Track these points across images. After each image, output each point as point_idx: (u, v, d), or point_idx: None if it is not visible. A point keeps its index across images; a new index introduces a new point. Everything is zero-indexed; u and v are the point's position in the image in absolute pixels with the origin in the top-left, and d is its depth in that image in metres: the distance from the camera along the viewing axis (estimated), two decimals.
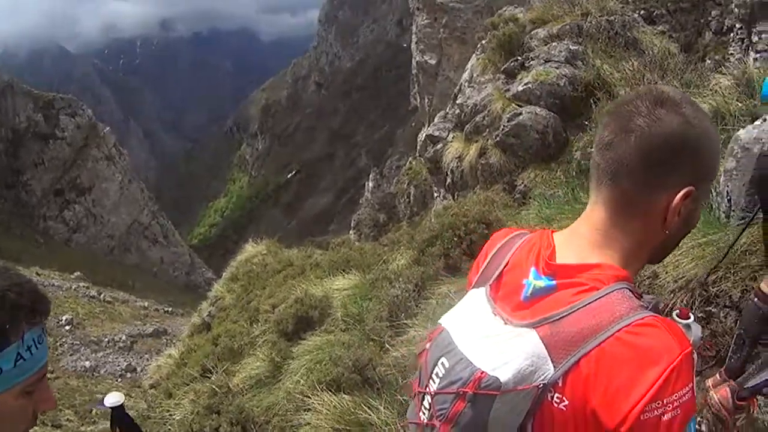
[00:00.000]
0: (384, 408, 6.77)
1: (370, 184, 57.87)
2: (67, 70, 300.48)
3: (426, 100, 43.42)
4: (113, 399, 2.62)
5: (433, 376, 2.29)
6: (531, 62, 13.78)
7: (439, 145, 16.20)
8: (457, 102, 16.15)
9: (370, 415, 6.72)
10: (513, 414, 2.09)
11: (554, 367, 2.04)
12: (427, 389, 2.31)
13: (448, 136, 15.93)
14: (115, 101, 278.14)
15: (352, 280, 12.09)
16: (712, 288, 5.75)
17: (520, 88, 13.09)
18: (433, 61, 43.73)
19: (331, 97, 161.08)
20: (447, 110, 17.70)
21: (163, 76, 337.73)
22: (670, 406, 1.91)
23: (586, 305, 2.07)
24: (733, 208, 6.77)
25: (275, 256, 20.94)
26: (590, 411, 2.00)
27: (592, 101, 12.34)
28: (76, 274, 50.83)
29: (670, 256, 4.01)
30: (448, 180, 15.24)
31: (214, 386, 10.12)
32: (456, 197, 14.56)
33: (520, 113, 12.65)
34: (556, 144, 12.51)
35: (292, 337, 10.62)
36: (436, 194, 16.80)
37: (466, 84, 16.17)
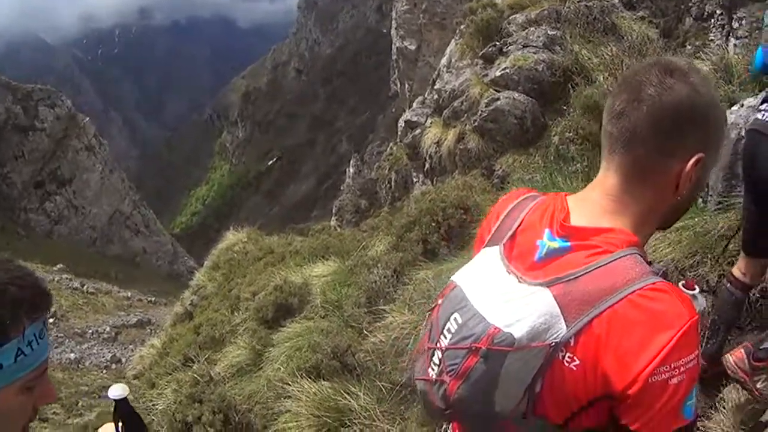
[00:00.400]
0: (363, 394, 6.82)
1: (351, 170, 57.71)
2: (46, 61, 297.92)
3: (406, 86, 43.45)
4: (117, 391, 2.58)
5: (445, 331, 2.32)
6: (509, 47, 13.81)
7: (418, 131, 16.26)
8: (435, 87, 16.21)
9: (349, 401, 6.76)
10: (524, 371, 2.13)
11: (567, 326, 2.09)
12: (438, 345, 2.34)
13: (426, 121, 16.00)
14: (94, 91, 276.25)
15: (331, 267, 12.14)
16: (689, 273, 5.81)
17: (498, 73, 13.12)
18: (413, 47, 43.76)
19: (312, 83, 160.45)
20: (425, 95, 17.71)
21: (142, 64, 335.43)
22: (677, 370, 1.97)
23: (599, 267, 2.12)
24: (710, 194, 6.84)
25: (256, 244, 20.89)
26: (600, 372, 2.05)
27: (570, 86, 12.42)
28: (58, 266, 50.48)
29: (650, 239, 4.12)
30: (427, 165, 15.29)
31: (195, 375, 10.10)
32: (434, 182, 14.61)
33: (498, 98, 12.69)
34: (535, 129, 12.55)
35: (272, 325, 10.66)
36: (415, 179, 16.84)
37: (445, 69, 16.22)
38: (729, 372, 5.00)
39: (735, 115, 6.06)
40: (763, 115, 4.82)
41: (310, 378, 7.53)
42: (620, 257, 2.13)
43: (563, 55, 13.12)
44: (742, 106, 6.30)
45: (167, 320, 24.86)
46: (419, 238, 9.53)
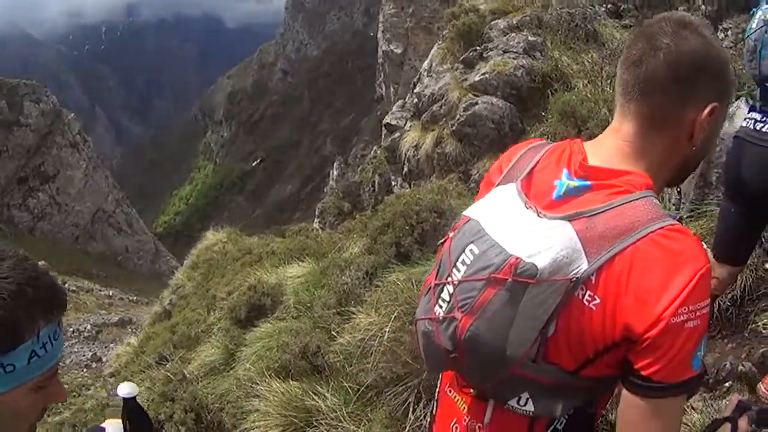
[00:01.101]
0: (330, 395, 6.81)
1: (335, 173, 57.69)
2: (32, 56, 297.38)
3: (391, 89, 43.41)
4: (126, 390, 2.56)
5: (458, 264, 2.28)
6: (489, 53, 13.83)
7: (397, 134, 16.23)
8: (415, 91, 16.19)
9: (317, 401, 6.76)
10: (541, 308, 2.09)
11: (588, 261, 2.07)
12: (449, 279, 2.29)
13: (405, 124, 15.97)
14: (80, 88, 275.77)
15: (306, 268, 12.10)
16: None
17: (477, 78, 13.14)
18: (399, 51, 43.76)
19: (297, 84, 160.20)
20: (405, 99, 17.72)
21: (128, 62, 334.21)
22: (694, 314, 1.98)
23: (621, 204, 2.12)
24: (683, 201, 6.90)
25: (235, 244, 20.99)
26: (620, 313, 2.04)
27: (549, 92, 12.43)
28: (40, 263, 49.85)
29: None
30: (405, 168, 15.25)
31: (169, 374, 10.11)
32: (412, 186, 14.60)
33: (476, 103, 12.72)
34: (513, 134, 12.55)
35: (245, 325, 10.64)
36: (393, 183, 16.81)
37: (425, 73, 16.20)
38: (762, 400, 5.02)
39: None
40: (748, 122, 4.88)
41: (279, 378, 7.55)
42: (640, 198, 2.13)
43: (543, 61, 13.15)
44: None
45: (146, 319, 24.86)
46: (392, 241, 9.46)
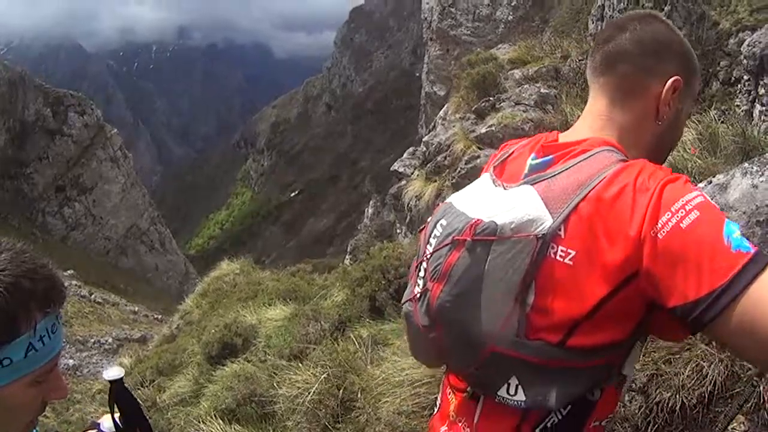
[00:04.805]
0: None
1: (370, 211, 57.68)
2: (81, 67, 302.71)
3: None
4: (113, 372, 2.49)
5: (431, 240, 2.30)
6: (502, 103, 13.65)
7: (404, 182, 16.10)
8: (424, 139, 16.04)
9: None
10: (510, 269, 2.03)
11: (552, 218, 2.01)
12: (425, 256, 2.29)
13: (413, 173, 15.79)
14: (126, 103, 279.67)
15: (286, 311, 12.01)
16: None
17: (484, 130, 12.98)
18: (442, 93, 43.74)
19: (341, 119, 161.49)
20: (415, 146, 17.58)
21: (175, 83, 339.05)
22: (683, 211, 1.84)
23: (578, 162, 2.12)
24: None
25: (247, 276, 20.90)
26: (599, 256, 1.93)
27: None
28: (69, 272, 50.72)
29: None
30: (408, 217, 15.11)
31: (139, 400, 10.07)
32: (414, 236, 14.49)
33: (479, 156, 12.54)
34: None
35: (217, 361, 10.61)
36: (398, 230, 16.65)
37: (440, 121, 16.03)
38: None
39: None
40: None
41: (224, 420, 7.47)
42: (597, 153, 2.13)
43: (553, 114, 12.96)
44: (710, 182, 5.98)
45: (155, 340, 24.94)
46: (368, 294, 9.35)
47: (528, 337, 2.06)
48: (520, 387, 2.14)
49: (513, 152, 2.44)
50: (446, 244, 2.17)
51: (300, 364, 7.59)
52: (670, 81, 2.24)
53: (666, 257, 1.83)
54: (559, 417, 2.16)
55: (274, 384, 7.66)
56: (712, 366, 4.53)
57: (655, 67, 2.26)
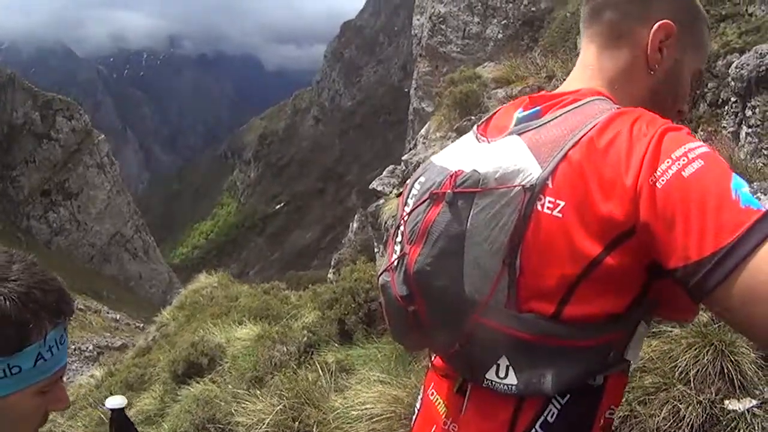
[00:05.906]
0: None
1: (355, 225, 57.30)
2: (71, 72, 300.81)
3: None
4: (115, 401, 2.59)
5: (408, 200, 2.09)
6: None
7: (381, 201, 15.56)
8: (403, 158, 15.87)
9: None
10: (496, 226, 1.82)
11: (541, 167, 1.80)
12: (402, 218, 2.08)
13: (392, 191, 15.36)
14: (114, 109, 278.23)
15: (254, 331, 11.64)
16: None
17: None
18: (430, 109, 43.56)
19: (328, 133, 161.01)
20: (395, 165, 17.00)
21: (165, 91, 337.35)
22: (685, 158, 1.63)
23: (569, 111, 1.92)
24: None
25: (225, 290, 20.65)
26: (591, 206, 1.72)
27: None
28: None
29: None
30: (385, 237, 14.73)
31: (101, 414, 10.06)
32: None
33: None
34: None
35: (183, 380, 10.47)
36: (376, 250, 16.17)
37: (421, 139, 15.93)
38: None
39: None
40: None
41: None
42: (587, 102, 1.94)
43: None
44: None
45: (129, 352, 24.68)
46: (337, 317, 9.09)
47: (519, 308, 1.84)
48: (511, 369, 1.90)
49: (499, 110, 2.26)
50: (424, 200, 1.98)
51: (259, 392, 7.40)
52: (657, 24, 2.04)
53: (665, 209, 1.62)
54: (559, 407, 1.90)
55: (233, 410, 7.40)
56: (690, 408, 4.28)
57: (643, 11, 2.09)
